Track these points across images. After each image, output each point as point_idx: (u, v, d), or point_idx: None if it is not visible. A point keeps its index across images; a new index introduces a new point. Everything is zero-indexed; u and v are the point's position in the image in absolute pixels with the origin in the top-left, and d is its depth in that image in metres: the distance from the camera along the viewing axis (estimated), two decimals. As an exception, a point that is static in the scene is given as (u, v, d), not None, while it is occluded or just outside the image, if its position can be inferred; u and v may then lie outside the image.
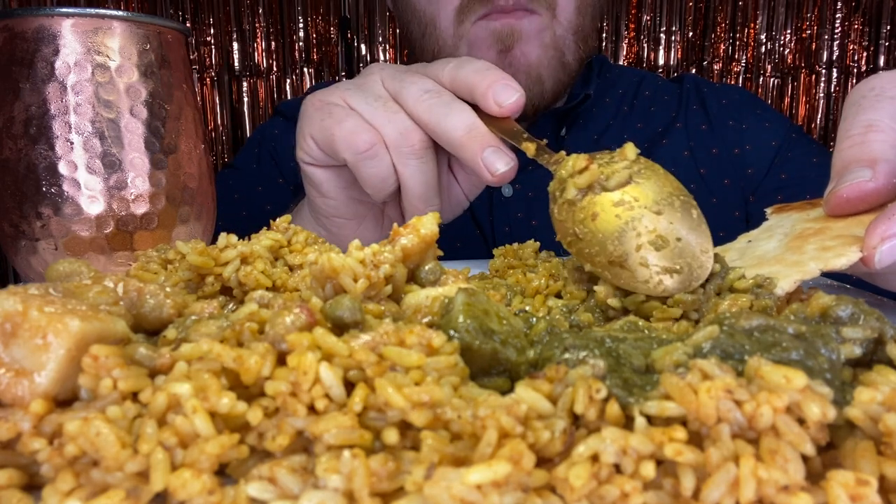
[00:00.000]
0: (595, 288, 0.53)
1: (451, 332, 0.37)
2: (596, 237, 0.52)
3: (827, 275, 0.77)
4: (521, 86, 1.07)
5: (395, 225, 0.49)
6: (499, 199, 1.24)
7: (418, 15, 1.16)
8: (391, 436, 0.31)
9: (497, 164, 0.68)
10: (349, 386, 0.33)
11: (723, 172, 1.26)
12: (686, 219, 0.52)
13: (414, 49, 1.23)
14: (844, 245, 0.53)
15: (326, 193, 0.82)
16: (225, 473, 0.33)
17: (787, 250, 0.56)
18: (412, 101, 0.73)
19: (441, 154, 0.78)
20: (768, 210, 0.67)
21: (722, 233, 1.35)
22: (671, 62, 2.79)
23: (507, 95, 0.69)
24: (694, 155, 1.28)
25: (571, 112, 1.25)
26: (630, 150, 0.54)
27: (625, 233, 0.51)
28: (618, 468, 0.29)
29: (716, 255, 0.51)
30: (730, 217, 1.24)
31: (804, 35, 2.76)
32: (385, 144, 0.74)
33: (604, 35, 2.77)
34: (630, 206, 0.52)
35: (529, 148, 0.64)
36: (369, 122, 0.74)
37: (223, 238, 0.54)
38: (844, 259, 0.52)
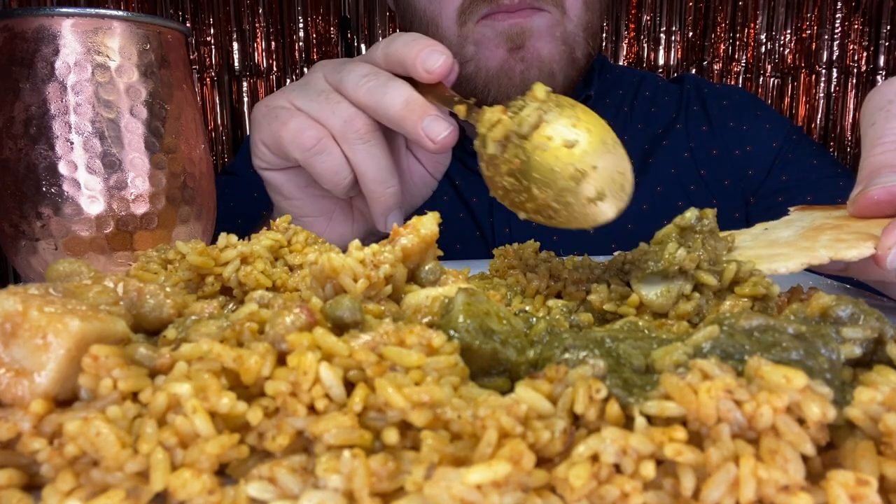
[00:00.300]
0: (589, 297, 0.53)
1: (451, 332, 0.37)
2: (522, 184, 0.53)
3: (827, 275, 0.77)
4: (534, 80, 1.07)
5: (395, 225, 0.49)
6: (498, 200, 1.24)
7: (419, 15, 1.15)
8: (391, 436, 0.31)
9: (436, 129, 0.70)
10: (349, 386, 0.33)
11: (723, 173, 1.26)
12: (598, 145, 0.52)
13: None
14: (859, 240, 0.53)
15: (288, 195, 0.84)
16: (225, 473, 0.33)
17: (801, 238, 0.56)
18: (352, 87, 0.75)
19: (397, 136, 0.80)
20: (792, 209, 0.68)
21: (724, 232, 1.35)
22: (671, 62, 2.79)
23: (433, 60, 0.70)
24: (694, 156, 1.27)
25: None
26: (539, 90, 0.55)
27: (545, 174, 0.52)
28: (618, 468, 0.29)
29: (725, 240, 0.51)
30: (730, 218, 1.25)
31: (804, 35, 2.76)
32: (333, 137, 0.75)
33: (604, 35, 2.77)
34: (544, 147, 0.52)
35: (461, 110, 0.65)
36: (314, 117, 0.76)
37: (223, 238, 0.54)
38: (855, 252, 0.52)
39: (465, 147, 1.24)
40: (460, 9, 1.09)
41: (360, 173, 0.76)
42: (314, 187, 0.83)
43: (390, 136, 0.78)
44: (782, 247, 0.55)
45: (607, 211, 0.51)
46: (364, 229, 0.90)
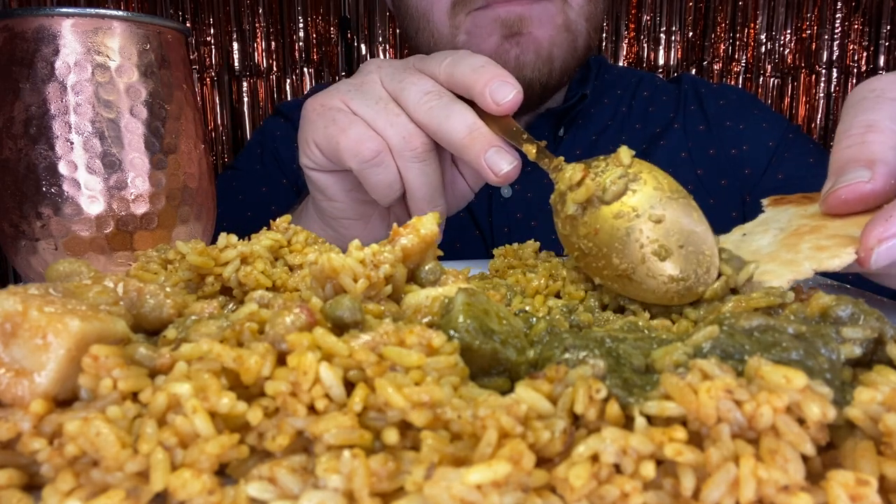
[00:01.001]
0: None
1: (451, 332, 0.37)
2: (601, 251, 0.52)
3: (826, 274, 0.77)
4: (531, 66, 1.03)
5: (395, 225, 0.49)
6: (498, 200, 1.24)
7: (412, 11, 1.15)
8: (391, 436, 0.31)
9: (501, 164, 0.68)
10: (349, 386, 0.33)
11: (720, 173, 1.26)
12: (687, 222, 0.52)
13: (412, 49, 1.22)
14: (840, 246, 0.53)
15: (332, 197, 0.82)
16: (225, 473, 0.33)
17: (782, 247, 0.56)
18: (412, 104, 0.73)
19: (444, 150, 0.78)
20: (765, 201, 0.67)
21: (720, 234, 1.35)
22: (671, 62, 2.79)
23: (504, 93, 0.68)
24: (692, 156, 1.27)
25: (569, 112, 1.25)
26: (625, 154, 0.54)
27: (627, 245, 0.51)
28: (618, 468, 0.29)
29: (727, 254, 0.51)
30: (727, 217, 1.25)
31: (804, 35, 2.76)
32: (389, 149, 0.73)
33: (604, 35, 2.77)
34: (629, 218, 0.52)
35: (530, 151, 0.64)
36: (372, 127, 0.73)
37: (223, 238, 0.54)
38: (838, 261, 0.52)
39: None
40: (453, 2, 1.08)
41: (410, 191, 0.75)
42: (358, 191, 0.81)
43: (439, 148, 0.76)
44: (765, 260, 0.55)
45: (680, 293, 0.50)
46: None
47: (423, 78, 0.74)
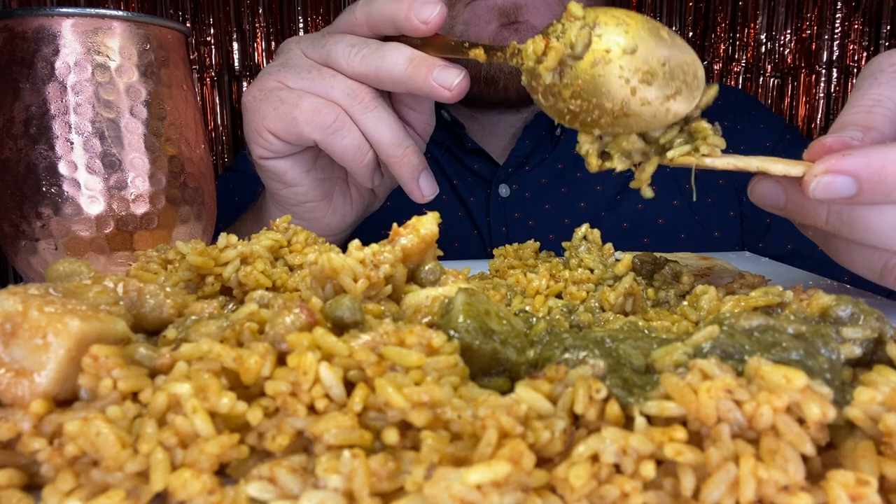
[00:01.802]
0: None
1: (451, 332, 0.37)
2: (591, 103, 0.53)
3: (826, 275, 0.77)
4: None
5: (395, 225, 0.49)
6: (496, 200, 1.24)
7: None
8: (391, 436, 0.31)
9: (449, 78, 0.68)
10: (349, 386, 0.33)
11: (717, 173, 1.25)
12: (659, 43, 0.53)
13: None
14: (792, 163, 0.53)
15: (291, 182, 0.81)
16: (225, 473, 0.33)
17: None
18: (343, 60, 0.72)
19: (387, 102, 0.78)
20: None
21: (718, 233, 1.33)
22: (671, 62, 2.79)
23: (428, 10, 0.68)
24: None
25: None
26: (575, 7, 0.55)
27: (612, 85, 0.53)
28: (618, 468, 0.29)
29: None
30: (724, 216, 1.25)
31: (804, 35, 2.76)
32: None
33: (604, 35, 2.77)
34: (606, 61, 0.53)
35: (479, 54, 0.64)
36: (316, 94, 0.73)
37: (223, 238, 0.54)
38: (782, 167, 0.53)
39: (462, 145, 1.24)
40: None
41: (376, 143, 0.74)
42: (316, 170, 0.81)
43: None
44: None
45: (680, 109, 0.52)
46: (362, 207, 0.89)
47: (343, 35, 0.74)
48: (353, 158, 0.74)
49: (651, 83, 0.51)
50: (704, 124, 0.54)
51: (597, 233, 0.64)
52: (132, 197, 0.64)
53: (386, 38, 0.73)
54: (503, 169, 1.24)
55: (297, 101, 0.73)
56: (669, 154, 0.54)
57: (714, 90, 0.53)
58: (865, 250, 0.55)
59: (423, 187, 0.77)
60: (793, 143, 1.27)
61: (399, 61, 0.69)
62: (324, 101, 0.73)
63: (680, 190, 1.24)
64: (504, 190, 1.24)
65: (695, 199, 1.22)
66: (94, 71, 0.62)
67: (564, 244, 0.65)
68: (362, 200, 0.88)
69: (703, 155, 0.54)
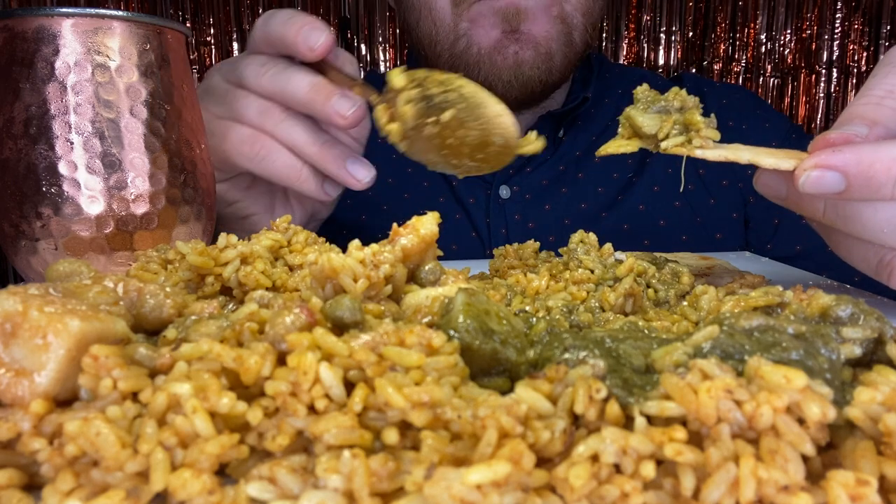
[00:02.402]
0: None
1: (451, 332, 0.37)
2: (450, 152, 0.66)
3: (835, 277, 0.77)
4: (529, 63, 1.09)
5: (395, 225, 0.49)
6: (496, 202, 1.24)
7: (410, 3, 1.15)
8: (391, 436, 0.31)
9: (344, 107, 0.73)
10: (349, 386, 0.33)
11: (721, 173, 1.25)
12: (475, 109, 0.63)
13: (412, 40, 1.21)
14: (784, 156, 0.55)
15: (232, 199, 0.85)
16: (225, 473, 0.33)
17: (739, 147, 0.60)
18: (252, 80, 0.77)
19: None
20: None
21: (719, 234, 1.33)
22: (671, 62, 2.79)
23: (315, 37, 0.73)
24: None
25: (570, 113, 1.25)
26: (396, 78, 0.67)
27: (437, 142, 0.66)
28: (618, 468, 0.29)
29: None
30: (728, 218, 1.24)
31: (804, 35, 2.76)
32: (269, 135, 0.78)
33: (604, 35, 2.77)
34: (446, 124, 0.64)
35: (365, 92, 0.73)
36: (234, 117, 0.78)
37: (223, 238, 0.54)
38: (772, 160, 0.55)
39: None
40: None
41: (296, 149, 0.78)
42: (255, 187, 0.85)
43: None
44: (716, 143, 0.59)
45: (498, 159, 0.64)
46: (304, 214, 0.91)
47: (254, 56, 0.79)
48: (289, 177, 0.79)
49: (497, 119, 0.62)
50: (698, 117, 0.56)
51: (593, 236, 0.65)
52: (132, 197, 0.64)
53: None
54: (504, 170, 1.24)
55: (224, 132, 0.78)
56: (663, 144, 0.55)
57: (532, 141, 0.65)
58: (862, 244, 0.56)
59: (355, 172, 0.79)
60: (798, 141, 1.27)
61: (301, 85, 0.74)
62: (248, 131, 0.78)
63: (682, 191, 1.24)
64: (504, 191, 1.24)
65: (681, 189, 1.23)
66: (94, 71, 0.62)
67: (561, 250, 0.66)
68: (304, 209, 0.91)
69: (697, 147, 0.56)
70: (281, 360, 0.34)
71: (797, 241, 1.20)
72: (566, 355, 0.36)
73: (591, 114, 1.28)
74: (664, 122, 0.57)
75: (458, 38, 1.10)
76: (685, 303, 0.55)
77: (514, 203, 1.23)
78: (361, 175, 0.79)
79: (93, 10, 0.62)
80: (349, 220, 1.20)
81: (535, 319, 0.47)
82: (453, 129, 0.64)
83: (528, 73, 1.10)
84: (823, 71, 2.77)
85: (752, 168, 1.29)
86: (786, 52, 2.78)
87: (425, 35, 1.15)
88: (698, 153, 0.56)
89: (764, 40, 2.77)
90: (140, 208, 0.64)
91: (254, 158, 0.78)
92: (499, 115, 0.63)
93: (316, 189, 0.81)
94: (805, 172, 0.51)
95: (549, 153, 1.25)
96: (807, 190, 0.52)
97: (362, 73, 2.47)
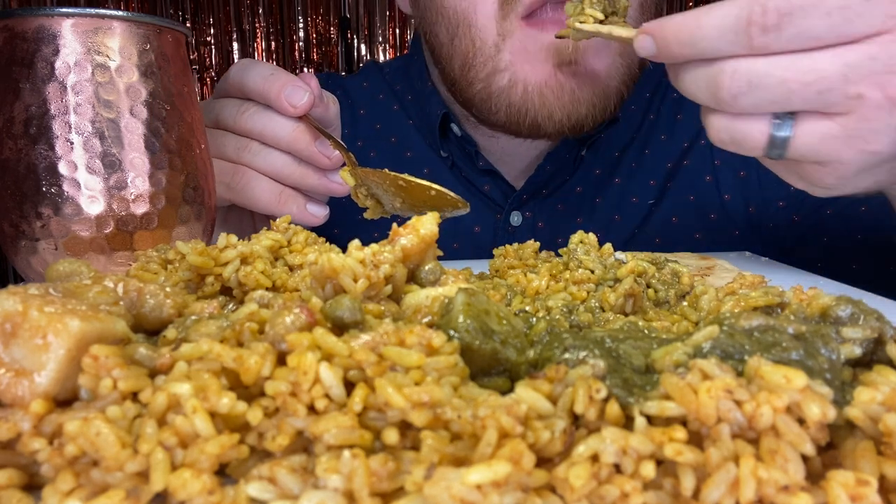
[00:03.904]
0: None
1: (451, 332, 0.37)
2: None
3: (827, 275, 0.77)
4: (587, 102, 0.99)
5: (395, 225, 0.49)
6: (505, 230, 1.16)
7: (446, 14, 0.97)
8: (391, 436, 0.31)
9: (328, 149, 0.78)
10: (349, 386, 0.33)
11: (748, 199, 1.13)
12: (425, 192, 0.71)
13: (441, 58, 1.03)
14: (633, 30, 0.67)
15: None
16: (225, 473, 0.33)
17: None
18: (231, 119, 0.80)
19: None
20: None
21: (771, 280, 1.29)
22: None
23: (298, 96, 0.76)
24: (717, 178, 1.14)
25: (598, 133, 1.12)
26: (346, 178, 0.77)
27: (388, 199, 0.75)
28: (618, 468, 0.29)
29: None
30: (745, 249, 1.12)
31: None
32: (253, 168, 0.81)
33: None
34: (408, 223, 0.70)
35: (338, 147, 0.77)
36: (215, 156, 0.80)
37: (223, 238, 0.54)
38: (625, 32, 0.68)
39: (474, 164, 1.16)
40: (501, 1, 0.91)
41: (277, 172, 0.80)
42: (230, 210, 0.89)
43: None
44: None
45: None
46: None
47: (227, 99, 0.82)
48: (269, 202, 0.81)
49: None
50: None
51: (593, 236, 0.65)
52: (132, 197, 0.64)
53: None
54: (518, 195, 1.14)
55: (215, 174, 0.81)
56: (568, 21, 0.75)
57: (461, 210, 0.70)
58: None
59: (340, 181, 0.81)
60: None
61: (284, 125, 0.78)
62: (228, 165, 0.80)
63: (704, 220, 1.14)
64: (516, 218, 1.16)
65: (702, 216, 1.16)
66: (94, 71, 0.62)
67: (561, 250, 0.65)
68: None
69: (578, 22, 0.72)
70: (281, 360, 0.34)
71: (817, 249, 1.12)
72: (566, 355, 0.36)
73: (615, 126, 1.13)
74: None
75: (497, 72, 0.94)
76: (685, 303, 0.55)
77: (523, 232, 1.15)
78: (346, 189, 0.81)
79: (93, 10, 0.62)
80: (343, 242, 1.18)
81: (535, 319, 0.47)
82: (412, 203, 0.72)
83: (584, 112, 0.96)
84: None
85: (783, 198, 1.31)
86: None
87: (459, 56, 0.98)
88: (577, 24, 0.71)
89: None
90: (140, 208, 0.64)
91: (234, 188, 0.80)
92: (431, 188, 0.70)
93: (298, 211, 0.81)
94: (636, 38, 0.61)
95: (567, 173, 1.15)
96: (639, 53, 0.62)
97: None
